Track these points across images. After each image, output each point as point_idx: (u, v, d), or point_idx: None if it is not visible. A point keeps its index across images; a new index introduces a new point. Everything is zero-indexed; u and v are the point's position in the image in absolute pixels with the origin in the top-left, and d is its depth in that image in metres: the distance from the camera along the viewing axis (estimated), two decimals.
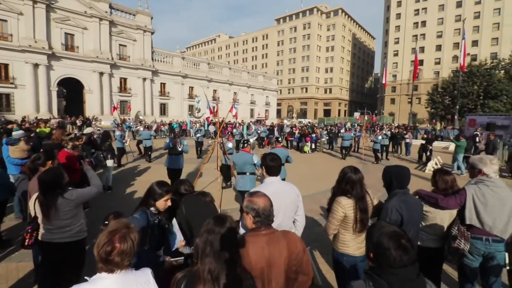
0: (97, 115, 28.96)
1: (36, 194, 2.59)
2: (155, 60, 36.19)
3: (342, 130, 20.98)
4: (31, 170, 3.55)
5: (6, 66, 25.51)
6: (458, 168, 10.52)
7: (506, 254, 2.60)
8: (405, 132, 16.88)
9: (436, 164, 10.97)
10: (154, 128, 20.75)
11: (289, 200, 2.38)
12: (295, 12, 75.19)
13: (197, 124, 23.19)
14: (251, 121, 32.34)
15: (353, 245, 2.36)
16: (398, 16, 62.51)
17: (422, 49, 56.86)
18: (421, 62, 56.02)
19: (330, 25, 73.07)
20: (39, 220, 2.57)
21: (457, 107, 27.29)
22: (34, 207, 2.58)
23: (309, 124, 28.12)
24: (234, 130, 19.59)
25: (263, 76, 53.73)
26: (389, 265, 1.24)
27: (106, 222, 2.28)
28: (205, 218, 1.47)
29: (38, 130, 10.27)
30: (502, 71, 38.04)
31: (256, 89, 50.77)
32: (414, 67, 26.12)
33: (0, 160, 4.63)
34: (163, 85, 37.43)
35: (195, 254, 1.36)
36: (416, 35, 59.14)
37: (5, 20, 25.13)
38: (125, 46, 33.44)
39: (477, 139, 13.42)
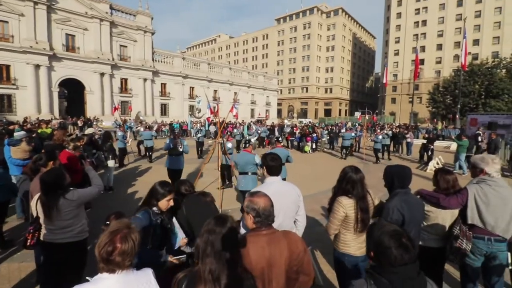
0: (98, 115, 29.02)
1: (38, 195, 2.60)
2: (156, 60, 36.23)
3: (343, 130, 20.96)
4: (33, 171, 3.57)
5: (7, 67, 25.59)
6: (460, 167, 10.49)
7: (509, 254, 2.59)
8: (406, 131, 16.84)
9: (437, 163, 10.95)
10: (155, 128, 20.79)
11: (290, 200, 2.38)
12: (295, 12, 75.15)
13: (198, 124, 23.22)
14: (251, 121, 32.35)
15: (354, 245, 2.36)
16: (399, 15, 62.40)
17: (423, 48, 56.75)
18: (422, 61, 55.89)
19: (331, 24, 73.00)
20: (41, 221, 2.58)
21: (459, 106, 27.20)
22: (36, 207, 2.59)
23: (309, 124, 28.11)
24: (235, 130, 19.63)
25: (264, 76, 53.71)
26: (390, 264, 1.25)
27: (108, 222, 2.29)
28: (205, 219, 1.47)
29: (39, 131, 10.29)
30: (504, 70, 37.87)
31: (257, 89, 50.75)
32: (415, 66, 26.10)
33: (2, 161, 4.64)
34: (163, 85, 37.47)
35: (196, 254, 1.36)
36: (416, 34, 59.02)
37: (6, 22, 25.20)
38: (126, 46, 33.49)
39: (479, 139, 13.37)
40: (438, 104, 40.80)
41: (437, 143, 16.87)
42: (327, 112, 72.05)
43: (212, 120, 23.50)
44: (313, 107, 72.23)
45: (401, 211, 2.26)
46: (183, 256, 2.16)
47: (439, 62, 57.99)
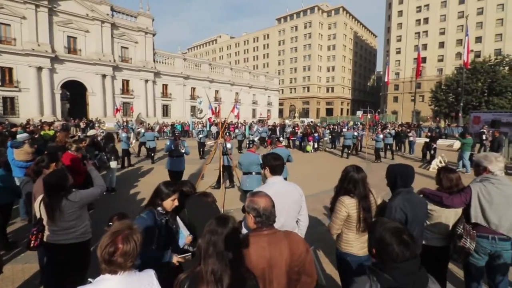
0: (100, 117, 29.14)
1: (41, 196, 2.61)
2: (157, 61, 36.33)
3: (345, 129, 20.92)
4: (35, 173, 3.58)
5: (10, 70, 25.76)
6: (463, 166, 10.42)
7: None
8: (408, 130, 16.77)
9: (440, 162, 10.87)
10: (157, 129, 20.87)
11: (292, 200, 2.38)
12: (296, 11, 75.05)
13: (200, 125, 23.25)
14: (253, 121, 32.35)
15: (357, 244, 2.35)
16: (400, 13, 62.12)
17: (424, 46, 56.49)
18: (424, 60, 55.67)
19: (331, 23, 72.82)
20: (44, 222, 2.60)
21: (461, 104, 27.05)
22: (39, 209, 2.60)
23: (311, 124, 28.08)
24: (237, 131, 19.64)
25: (265, 76, 53.70)
26: (391, 260, 1.27)
27: (111, 223, 2.30)
28: (207, 219, 1.47)
29: (42, 133, 10.36)
30: (507, 67, 37.61)
31: (258, 89, 50.74)
32: (417, 64, 25.97)
33: (5, 163, 4.67)
34: (165, 86, 37.57)
35: (198, 255, 1.36)
36: (418, 32, 58.74)
37: (9, 25, 25.37)
38: (127, 48, 33.62)
39: (484, 137, 13.28)
40: (441, 103, 40.58)
41: (440, 142, 16.79)
42: (329, 112, 71.90)
43: (214, 120, 23.54)
44: (314, 107, 72.11)
45: (404, 210, 2.25)
46: (188, 254, 2.17)
47: (441, 60, 57.65)
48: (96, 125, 21.01)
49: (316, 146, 16.69)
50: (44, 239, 2.65)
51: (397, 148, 16.02)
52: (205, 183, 7.92)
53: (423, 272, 1.28)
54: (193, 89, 40.60)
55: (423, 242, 2.56)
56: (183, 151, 6.87)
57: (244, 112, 43.36)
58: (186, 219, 2.47)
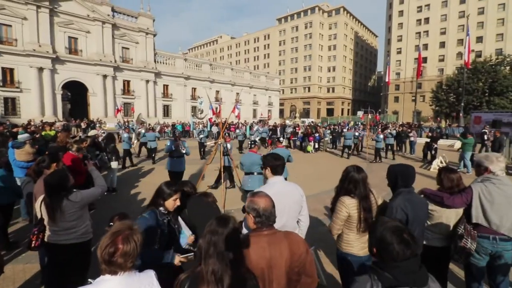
0: (101, 117, 29.19)
1: (42, 197, 2.62)
2: (158, 62, 36.38)
3: (345, 130, 20.90)
4: (36, 173, 3.59)
5: (11, 70, 25.84)
6: (465, 166, 10.40)
7: None
8: (409, 130, 16.74)
9: (441, 162, 10.85)
10: (157, 129, 20.89)
11: (292, 200, 2.38)
12: (296, 11, 75.06)
13: (200, 125, 23.27)
14: (253, 122, 32.35)
15: (357, 245, 2.35)
16: (401, 13, 62.04)
17: (425, 46, 56.38)
18: (425, 60, 55.58)
19: (332, 23, 72.79)
20: (45, 222, 2.60)
21: (462, 104, 26.99)
22: (40, 209, 2.61)
23: (312, 124, 28.08)
24: (237, 131, 19.65)
25: (265, 76, 53.71)
26: (392, 259, 1.28)
27: (111, 224, 2.30)
28: (207, 219, 1.47)
29: (43, 133, 10.38)
30: (508, 67, 37.52)
31: (259, 89, 50.74)
32: (417, 64, 25.91)
33: (6, 163, 4.68)
34: (166, 86, 37.62)
35: (199, 255, 1.36)
36: (419, 32, 58.67)
37: (10, 25, 25.45)
38: (128, 48, 33.68)
39: (486, 137, 13.23)
40: (442, 103, 40.51)
41: (441, 142, 16.76)
42: (330, 112, 71.84)
43: (215, 121, 23.54)
44: (315, 107, 72.07)
45: (405, 210, 2.25)
46: (191, 254, 2.17)
47: (442, 60, 57.56)
48: (97, 125, 21.07)
49: (316, 146, 16.68)
50: (45, 239, 2.66)
51: (398, 148, 15.99)
52: (205, 184, 7.93)
53: (424, 271, 1.29)
54: (194, 89, 40.64)
55: (424, 242, 2.55)
56: (184, 151, 6.85)
57: (244, 113, 43.37)
58: (187, 219, 2.47)
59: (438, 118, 39.37)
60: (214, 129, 23.98)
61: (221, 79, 43.87)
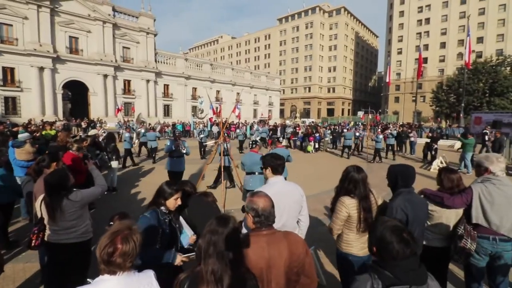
0: (101, 117, 29.22)
1: (42, 196, 2.62)
2: (158, 61, 36.41)
3: (345, 130, 20.89)
4: (36, 172, 3.59)
5: (12, 70, 25.88)
6: (465, 166, 10.39)
7: None
8: (409, 130, 16.73)
9: (441, 162, 10.84)
10: (158, 129, 20.90)
11: (292, 200, 2.38)
12: (297, 11, 75.04)
13: (201, 125, 23.28)
14: (254, 121, 32.35)
15: (357, 245, 2.35)
16: (402, 13, 62.00)
17: (426, 47, 56.32)
18: (425, 60, 55.56)
19: (333, 24, 72.77)
20: (45, 221, 2.60)
21: (463, 105, 26.96)
22: (40, 208, 2.61)
23: (312, 124, 28.08)
24: (238, 131, 19.66)
25: (266, 76, 53.72)
26: (392, 258, 1.30)
27: (112, 223, 2.30)
28: (207, 219, 1.46)
29: (44, 132, 10.39)
30: (508, 68, 37.50)
31: (259, 89, 50.76)
32: (418, 65, 25.90)
33: (6, 163, 4.69)
34: (166, 86, 37.64)
35: (198, 255, 1.36)
36: (420, 33, 58.61)
37: (11, 25, 25.48)
38: (129, 48, 33.70)
39: (487, 138, 13.21)
40: (442, 103, 40.50)
41: (441, 142, 16.75)
42: (330, 112, 71.82)
43: (215, 120, 23.54)
44: (316, 107, 72.05)
45: (405, 211, 2.24)
46: (192, 254, 2.17)
47: (442, 61, 57.51)
48: (98, 125, 21.06)
49: (317, 146, 16.68)
50: (45, 239, 2.66)
51: (398, 148, 15.98)
52: (206, 183, 7.93)
53: (423, 270, 1.31)
54: (195, 89, 40.66)
55: (424, 243, 2.55)
56: (184, 151, 6.82)
57: (245, 112, 43.39)
58: (189, 219, 2.48)
59: (439, 119, 39.36)
60: (215, 129, 23.99)
61: (221, 79, 43.88)
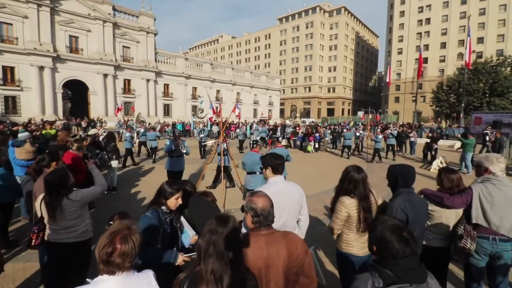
0: (101, 116, 29.22)
1: (42, 195, 2.61)
2: (159, 61, 36.40)
3: (345, 130, 20.89)
4: (36, 171, 3.59)
5: (12, 69, 25.87)
6: (465, 166, 10.39)
7: None
8: (409, 130, 16.73)
9: (441, 162, 10.84)
10: (158, 128, 20.89)
11: (292, 200, 2.38)
12: (297, 11, 74.98)
13: (201, 125, 23.26)
14: (254, 121, 32.34)
15: (357, 245, 2.35)
16: (402, 13, 61.97)
17: (426, 47, 56.30)
18: (426, 60, 55.54)
19: (333, 23, 72.73)
20: (45, 221, 2.60)
21: (463, 105, 26.95)
22: (40, 207, 2.61)
23: (312, 124, 28.09)
24: (238, 130, 19.66)
25: (266, 76, 53.71)
26: (392, 257, 1.31)
27: (111, 223, 2.30)
28: (207, 219, 1.46)
29: (43, 131, 10.39)
30: (508, 68, 37.51)
31: (259, 89, 50.75)
32: (418, 65, 25.90)
33: (6, 162, 4.68)
34: (166, 86, 37.64)
35: (198, 255, 1.36)
36: (420, 33, 58.56)
37: (11, 24, 25.48)
38: (129, 47, 33.69)
39: (487, 138, 13.20)
40: (442, 103, 40.50)
41: (441, 142, 16.75)
42: (330, 112, 71.81)
43: (215, 120, 23.54)
44: (316, 107, 72.03)
45: (405, 211, 2.24)
46: (194, 253, 2.17)
47: (443, 61, 57.49)
48: (98, 124, 21.06)
49: (317, 146, 16.68)
50: (45, 238, 2.66)
51: (398, 148, 15.98)
52: (205, 183, 7.93)
53: (423, 268, 1.32)
54: (195, 88, 40.65)
55: (424, 243, 2.55)
56: (184, 151, 6.80)
57: (245, 112, 43.39)
58: (188, 219, 2.48)
59: (439, 119, 39.38)
60: (215, 129, 23.98)
61: (221, 79, 43.88)
